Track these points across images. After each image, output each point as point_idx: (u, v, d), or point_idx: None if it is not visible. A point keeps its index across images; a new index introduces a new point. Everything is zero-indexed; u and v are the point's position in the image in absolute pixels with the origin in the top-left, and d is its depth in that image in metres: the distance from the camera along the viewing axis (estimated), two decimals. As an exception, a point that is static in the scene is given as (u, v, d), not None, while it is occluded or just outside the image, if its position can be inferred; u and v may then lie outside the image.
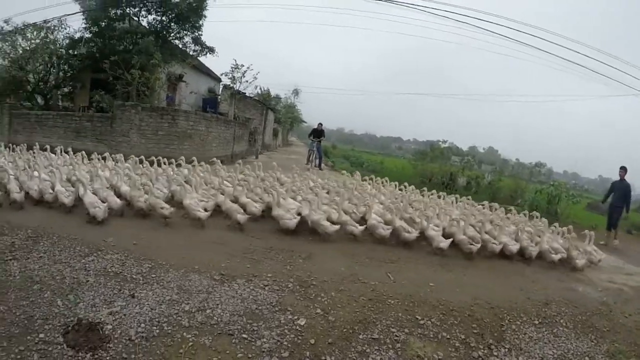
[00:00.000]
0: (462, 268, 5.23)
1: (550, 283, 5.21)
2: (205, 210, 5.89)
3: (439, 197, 8.62)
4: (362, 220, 6.21)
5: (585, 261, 5.97)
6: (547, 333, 3.86)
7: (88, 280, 3.86)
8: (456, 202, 7.97)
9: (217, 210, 6.30)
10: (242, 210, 5.91)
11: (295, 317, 3.47)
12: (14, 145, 9.18)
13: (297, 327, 3.34)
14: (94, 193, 5.85)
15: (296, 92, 41.12)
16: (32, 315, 3.23)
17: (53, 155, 8.63)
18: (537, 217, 7.31)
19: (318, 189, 7.39)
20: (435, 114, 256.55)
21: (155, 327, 3.18)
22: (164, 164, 8.58)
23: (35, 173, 6.42)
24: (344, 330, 3.39)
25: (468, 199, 8.28)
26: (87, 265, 4.17)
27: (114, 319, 3.25)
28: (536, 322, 4.01)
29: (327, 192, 7.41)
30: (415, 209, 6.78)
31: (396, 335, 3.42)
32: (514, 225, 6.64)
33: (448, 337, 3.50)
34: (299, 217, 5.84)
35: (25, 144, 9.52)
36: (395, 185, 9.23)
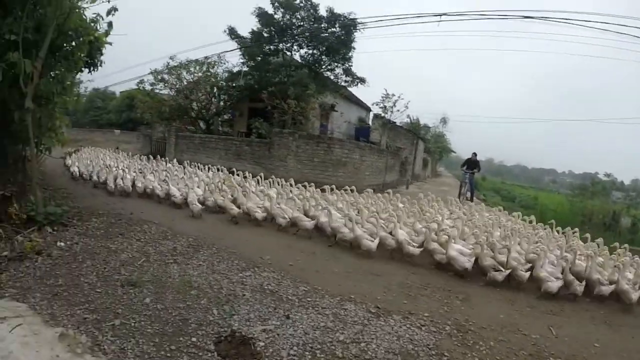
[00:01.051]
0: (630, 328, 4.61)
1: None
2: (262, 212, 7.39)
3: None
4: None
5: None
6: None
7: (244, 295, 4.03)
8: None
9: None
10: (284, 215, 7.02)
11: (452, 364, 3.31)
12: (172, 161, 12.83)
13: (454, 375, 3.18)
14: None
15: (444, 121, 40.97)
16: (187, 318, 3.43)
17: (168, 164, 12.06)
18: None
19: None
20: (592, 143, 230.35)
21: (307, 353, 3.13)
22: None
23: (149, 176, 9.73)
24: (503, 385, 3.16)
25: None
26: (244, 280, 4.41)
27: (267, 336, 3.26)
28: None
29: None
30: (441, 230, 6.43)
31: (557, 400, 3.12)
32: (558, 250, 6.09)
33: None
34: (314, 221, 6.75)
35: (158, 157, 13.37)
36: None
